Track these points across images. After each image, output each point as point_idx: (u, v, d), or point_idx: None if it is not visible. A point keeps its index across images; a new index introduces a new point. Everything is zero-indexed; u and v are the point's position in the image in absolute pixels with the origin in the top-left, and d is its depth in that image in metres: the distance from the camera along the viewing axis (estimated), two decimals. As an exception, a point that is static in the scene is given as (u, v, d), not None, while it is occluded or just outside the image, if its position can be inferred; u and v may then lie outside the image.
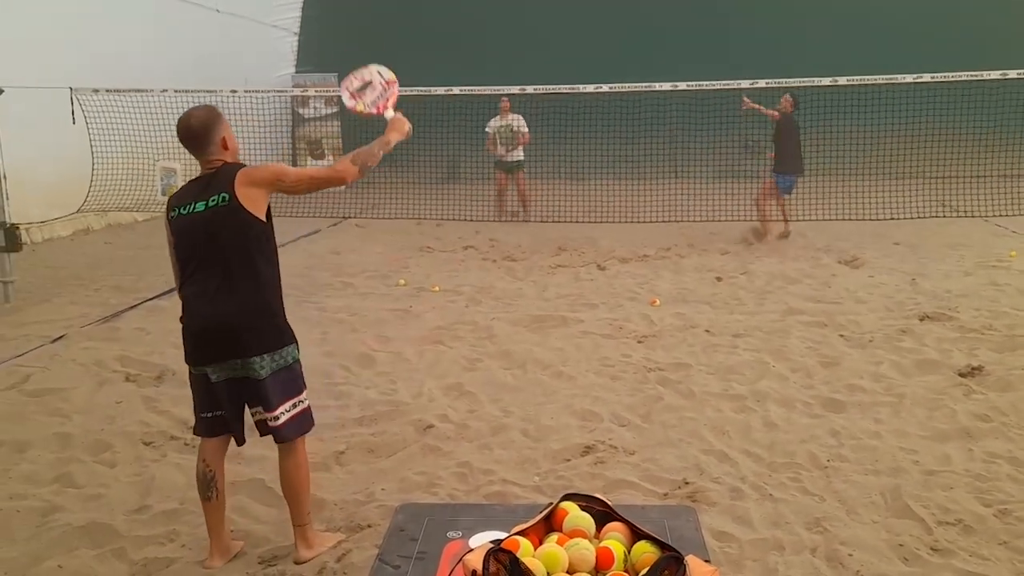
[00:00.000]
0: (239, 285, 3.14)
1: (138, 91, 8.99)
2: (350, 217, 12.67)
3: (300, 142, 17.09)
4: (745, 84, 9.16)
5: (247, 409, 3.35)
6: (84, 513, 3.79)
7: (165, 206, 3.32)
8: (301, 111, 17.01)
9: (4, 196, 7.70)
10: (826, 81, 9.07)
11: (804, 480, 4.03)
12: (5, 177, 7.71)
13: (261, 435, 3.37)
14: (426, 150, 14.46)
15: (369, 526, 3.64)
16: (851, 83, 9.17)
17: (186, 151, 3.25)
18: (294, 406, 3.28)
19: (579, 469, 4.21)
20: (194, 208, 3.15)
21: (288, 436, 3.28)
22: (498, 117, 12.24)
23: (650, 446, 4.47)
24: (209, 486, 3.36)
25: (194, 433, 3.44)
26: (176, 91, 9.19)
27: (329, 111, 16.93)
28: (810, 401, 5.05)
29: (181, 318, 3.26)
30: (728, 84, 9.25)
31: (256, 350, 3.17)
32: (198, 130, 3.18)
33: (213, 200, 3.11)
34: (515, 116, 12.16)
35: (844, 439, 4.47)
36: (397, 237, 11.17)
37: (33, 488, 4.06)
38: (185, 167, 8.57)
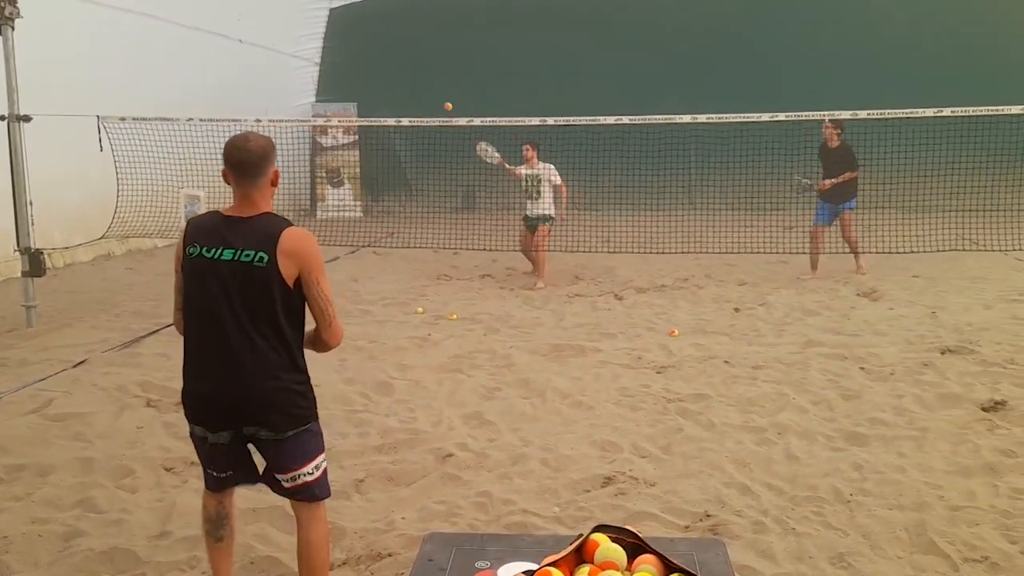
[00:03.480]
0: (266, 355, 2.81)
1: (164, 119, 9.11)
2: (368, 245, 12.74)
3: (320, 170, 17.26)
4: (765, 117, 9.18)
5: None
6: (106, 538, 3.80)
7: (183, 233, 2.92)
8: (321, 140, 17.20)
9: (30, 222, 7.80)
10: (846, 115, 9.09)
11: (827, 514, 4.00)
12: (31, 203, 7.81)
13: (280, 493, 3.02)
14: (443, 179, 14.59)
15: (390, 555, 3.64)
16: (870, 116, 9.18)
17: (223, 178, 2.90)
18: (317, 468, 2.97)
19: (600, 500, 4.20)
20: (220, 255, 2.78)
21: (321, 493, 2.99)
22: (524, 166, 10.16)
23: (671, 477, 4.45)
24: (220, 525, 3.09)
25: (206, 486, 3.11)
26: (201, 120, 9.32)
27: (348, 140, 17.11)
28: (832, 434, 5.01)
29: (185, 371, 2.93)
30: (748, 117, 9.28)
31: (282, 427, 2.87)
32: (256, 158, 2.83)
33: (247, 256, 2.75)
34: (545, 166, 10.07)
35: (867, 473, 4.43)
36: (414, 265, 11.22)
37: (55, 512, 4.07)
38: (209, 195, 8.67)
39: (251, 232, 2.78)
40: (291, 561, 3.60)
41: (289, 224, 2.84)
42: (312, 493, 2.98)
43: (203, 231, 2.85)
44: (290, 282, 2.78)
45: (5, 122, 7.67)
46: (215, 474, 3.02)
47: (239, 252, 2.76)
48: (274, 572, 3.52)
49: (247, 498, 4.20)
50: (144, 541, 3.80)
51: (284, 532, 3.85)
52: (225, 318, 2.79)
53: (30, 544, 3.76)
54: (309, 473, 2.94)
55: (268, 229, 2.79)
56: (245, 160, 2.82)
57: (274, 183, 2.90)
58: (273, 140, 2.97)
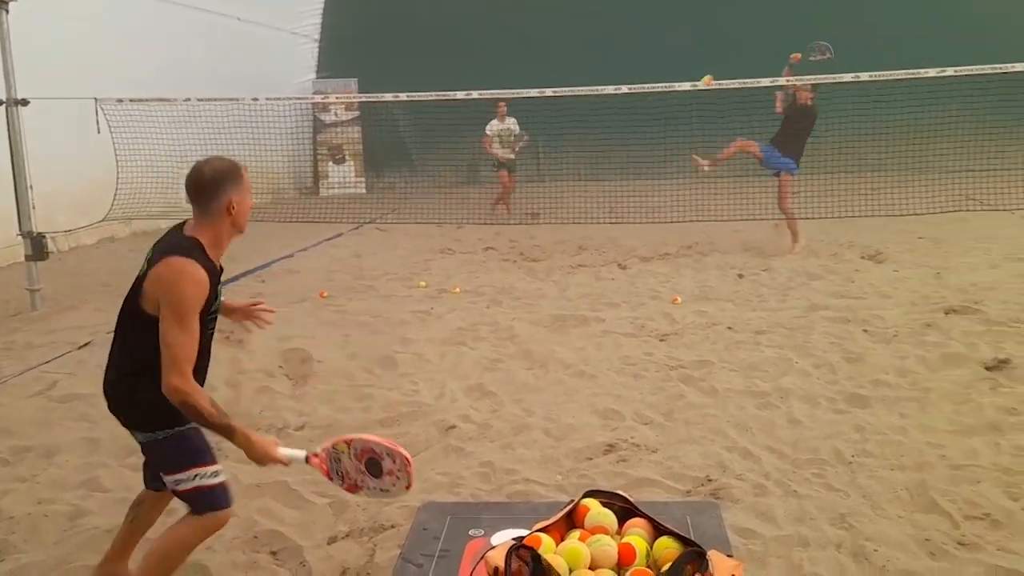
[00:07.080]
0: (122, 357, 2.92)
1: (161, 100, 9.08)
2: (371, 221, 12.73)
3: (321, 147, 17.22)
4: (766, 82, 9.10)
5: None
6: (112, 516, 3.81)
7: None
8: (322, 117, 17.14)
9: (31, 206, 7.81)
10: (848, 77, 8.98)
11: (829, 476, 4.00)
12: (31, 187, 7.81)
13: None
14: (446, 154, 14.55)
15: (392, 526, 3.65)
16: (873, 79, 9.08)
17: None
18: (188, 480, 2.86)
19: (602, 467, 4.21)
20: (145, 257, 2.89)
21: (197, 508, 2.89)
22: (496, 120, 12.68)
23: (673, 444, 4.45)
24: (133, 511, 3.23)
25: None
26: (199, 100, 9.28)
27: (349, 116, 17.06)
28: (834, 397, 5.01)
29: None
30: (747, 83, 9.19)
31: (145, 426, 2.92)
32: (206, 182, 2.82)
33: (145, 265, 2.84)
34: (512, 119, 12.73)
35: (869, 434, 4.43)
36: (418, 240, 11.21)
37: (61, 492, 4.10)
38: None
39: (158, 245, 2.86)
40: (294, 534, 3.64)
41: (179, 255, 2.74)
42: (189, 502, 2.91)
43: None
44: (146, 304, 2.77)
45: (3, 107, 7.65)
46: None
47: (149, 260, 2.84)
48: (277, 545, 3.55)
49: (251, 473, 4.23)
50: (150, 518, 3.82)
51: (288, 507, 3.88)
52: (119, 317, 2.94)
53: (35, 524, 3.79)
54: (185, 481, 2.86)
55: (162, 248, 2.81)
56: (195, 185, 2.84)
57: (230, 212, 2.83)
58: (237, 165, 2.91)
